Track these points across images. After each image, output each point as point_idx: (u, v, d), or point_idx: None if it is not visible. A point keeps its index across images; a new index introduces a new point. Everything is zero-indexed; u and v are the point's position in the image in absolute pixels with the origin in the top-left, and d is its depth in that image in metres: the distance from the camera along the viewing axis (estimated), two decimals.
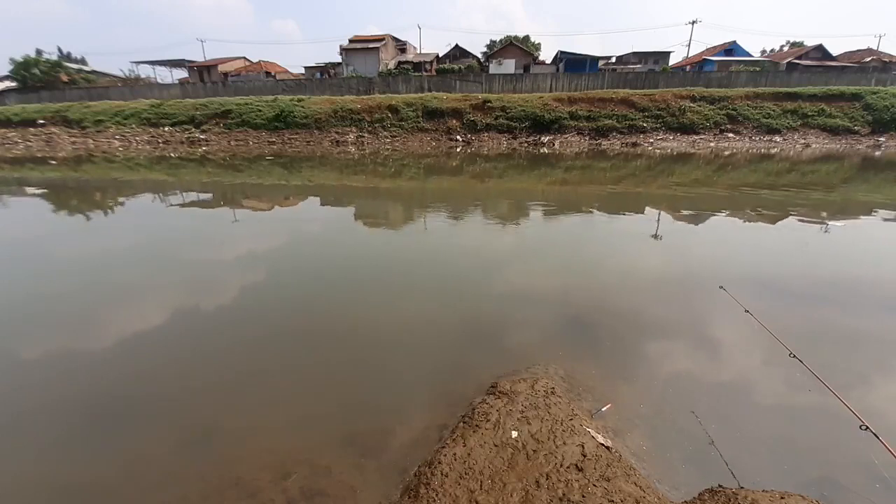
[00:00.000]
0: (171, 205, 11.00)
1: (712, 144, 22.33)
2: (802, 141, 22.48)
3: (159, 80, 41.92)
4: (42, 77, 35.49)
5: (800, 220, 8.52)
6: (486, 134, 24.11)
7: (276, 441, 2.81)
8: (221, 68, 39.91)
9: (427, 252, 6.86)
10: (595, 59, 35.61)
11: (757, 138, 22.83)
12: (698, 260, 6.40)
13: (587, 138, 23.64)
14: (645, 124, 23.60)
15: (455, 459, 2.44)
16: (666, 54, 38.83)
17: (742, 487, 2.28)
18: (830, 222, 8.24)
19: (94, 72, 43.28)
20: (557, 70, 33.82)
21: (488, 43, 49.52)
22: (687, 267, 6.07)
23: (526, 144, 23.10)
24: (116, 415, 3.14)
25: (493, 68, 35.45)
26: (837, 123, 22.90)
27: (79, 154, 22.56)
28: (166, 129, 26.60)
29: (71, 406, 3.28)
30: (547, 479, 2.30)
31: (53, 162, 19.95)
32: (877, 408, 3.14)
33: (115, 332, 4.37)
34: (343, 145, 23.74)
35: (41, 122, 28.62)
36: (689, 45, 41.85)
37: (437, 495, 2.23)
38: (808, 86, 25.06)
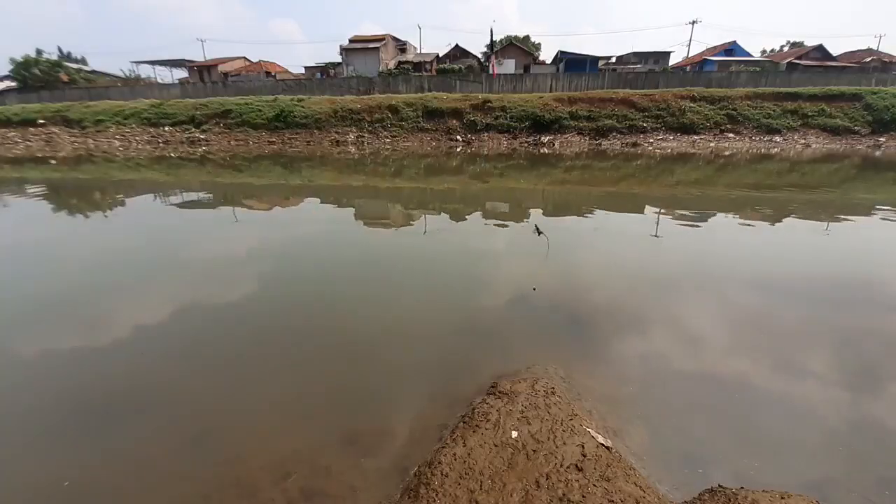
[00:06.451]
0: (171, 205, 11.00)
1: (712, 144, 22.33)
2: (802, 141, 22.48)
3: (159, 80, 41.97)
4: (42, 77, 35.51)
5: (800, 220, 8.52)
6: (486, 134, 24.11)
7: (275, 441, 2.81)
8: (221, 68, 39.94)
9: (427, 252, 6.85)
10: (595, 60, 35.62)
11: (757, 138, 22.83)
12: (699, 260, 6.40)
13: (587, 138, 23.63)
14: (645, 124, 23.60)
15: (455, 459, 2.44)
16: (666, 54, 38.87)
17: (742, 487, 2.28)
18: (830, 222, 8.25)
19: (94, 71, 43.31)
20: (557, 70, 33.83)
21: (489, 43, 49.56)
22: (688, 267, 6.07)
23: (526, 144, 23.10)
24: (116, 414, 3.14)
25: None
26: (837, 123, 22.90)
27: (79, 154, 22.56)
28: (166, 128, 26.60)
29: (70, 406, 3.28)
30: (547, 479, 2.30)
31: (54, 161, 19.95)
32: (876, 407, 3.14)
33: (114, 331, 4.37)
34: (343, 145, 23.74)
35: (41, 121, 28.62)
36: (689, 45, 41.94)
37: (437, 495, 2.23)
38: (809, 86, 25.05)
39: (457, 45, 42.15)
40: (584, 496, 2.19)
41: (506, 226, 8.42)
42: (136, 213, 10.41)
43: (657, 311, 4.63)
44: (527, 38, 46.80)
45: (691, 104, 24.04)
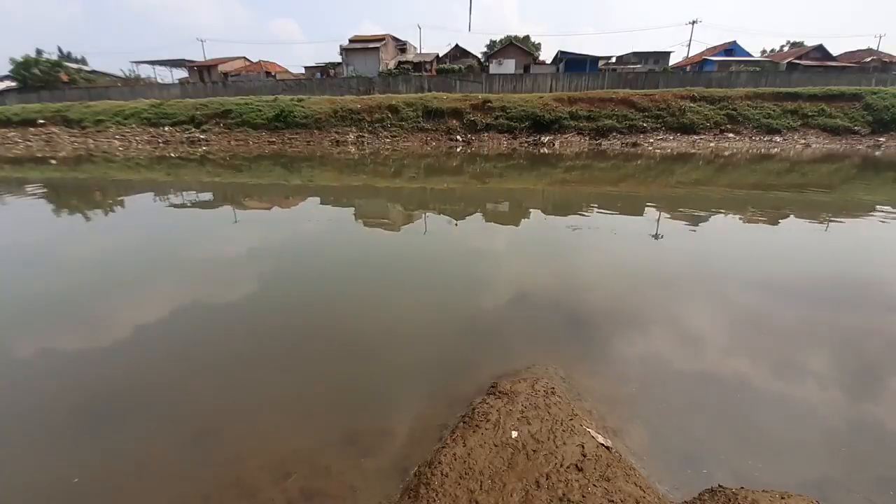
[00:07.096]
0: (171, 205, 11.00)
1: (712, 144, 22.34)
2: (802, 141, 22.48)
3: (159, 80, 41.96)
4: (42, 77, 35.51)
5: (800, 220, 8.52)
6: (486, 134, 24.10)
7: (275, 441, 2.81)
8: (221, 68, 39.93)
9: (427, 252, 6.85)
10: (595, 60, 35.59)
11: (757, 138, 22.83)
12: (699, 260, 6.40)
13: (587, 138, 23.63)
14: (645, 124, 23.60)
15: (455, 459, 2.44)
16: (666, 54, 38.83)
17: (742, 487, 2.28)
18: (830, 222, 8.24)
19: (94, 71, 43.31)
20: (557, 70, 33.81)
21: (488, 43, 49.60)
22: (688, 267, 6.07)
23: (526, 144, 23.10)
24: (116, 415, 3.14)
25: (494, 68, 35.47)
26: (837, 123, 22.91)
27: (79, 154, 22.56)
28: (166, 128, 26.60)
29: (71, 406, 3.28)
30: (547, 479, 2.30)
31: (54, 162, 19.95)
32: (876, 407, 3.14)
33: (115, 332, 4.37)
34: (343, 145, 23.74)
35: (41, 121, 28.61)
36: (689, 45, 41.96)
37: (437, 495, 2.23)
38: (809, 86, 25.06)
39: (457, 45, 42.10)
40: (584, 496, 2.18)
41: (506, 226, 8.42)
42: (136, 213, 10.41)
43: (657, 311, 4.63)
44: (527, 38, 46.80)
45: (691, 104, 24.04)
